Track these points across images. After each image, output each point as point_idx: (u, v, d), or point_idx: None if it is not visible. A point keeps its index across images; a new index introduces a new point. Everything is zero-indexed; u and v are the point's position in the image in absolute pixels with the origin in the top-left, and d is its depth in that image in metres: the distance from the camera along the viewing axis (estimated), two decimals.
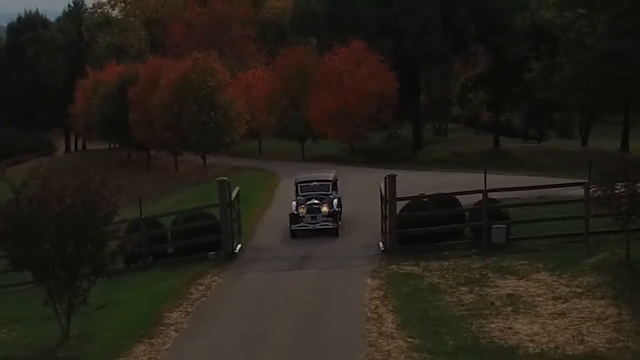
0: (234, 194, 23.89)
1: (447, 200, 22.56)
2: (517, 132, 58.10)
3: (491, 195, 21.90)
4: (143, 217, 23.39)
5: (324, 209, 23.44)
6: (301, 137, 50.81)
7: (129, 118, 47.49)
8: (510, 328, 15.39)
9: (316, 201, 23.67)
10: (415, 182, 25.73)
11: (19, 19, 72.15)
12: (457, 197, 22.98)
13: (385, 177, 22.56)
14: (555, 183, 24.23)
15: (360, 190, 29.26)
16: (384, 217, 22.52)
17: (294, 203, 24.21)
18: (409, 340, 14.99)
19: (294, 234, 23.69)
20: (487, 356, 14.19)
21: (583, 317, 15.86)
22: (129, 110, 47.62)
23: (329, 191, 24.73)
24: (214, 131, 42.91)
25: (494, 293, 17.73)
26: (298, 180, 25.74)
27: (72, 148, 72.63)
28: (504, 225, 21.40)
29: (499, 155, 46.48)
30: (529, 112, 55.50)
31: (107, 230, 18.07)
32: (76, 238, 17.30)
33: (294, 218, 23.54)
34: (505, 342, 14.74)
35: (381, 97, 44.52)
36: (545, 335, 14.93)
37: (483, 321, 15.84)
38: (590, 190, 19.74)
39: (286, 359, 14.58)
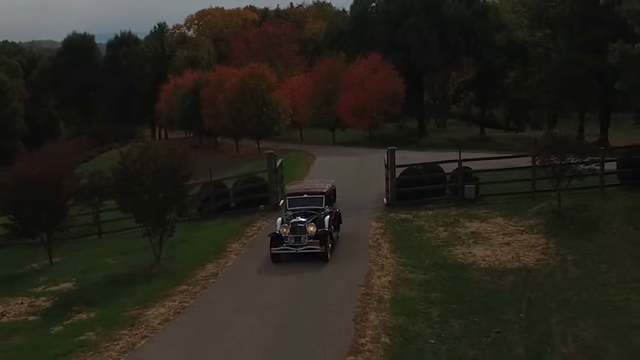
0: (278, 164, 24.04)
1: (433, 168, 23.18)
2: (499, 124, 57.77)
3: (465, 164, 22.26)
4: (212, 180, 23.90)
5: (310, 228, 15.96)
6: (332, 127, 50.77)
7: (201, 112, 47.96)
8: (470, 252, 16.57)
9: (302, 219, 16.26)
10: (416, 158, 26.02)
11: (116, 37, 72.21)
12: (440, 165, 23.17)
13: (387, 150, 22.99)
14: (509, 155, 24.53)
15: (373, 164, 28.39)
16: (387, 179, 22.93)
17: (279, 220, 16.91)
18: (397, 259, 16.27)
19: (274, 258, 16.17)
20: (451, 269, 15.43)
21: (522, 246, 17.06)
22: (201, 106, 48.01)
23: (321, 205, 17.13)
24: (265, 122, 43.30)
25: (461, 231, 18.58)
26: (287, 193, 18.69)
27: (157, 137, 73.08)
28: (474, 186, 22.24)
29: (483, 140, 46.43)
30: (509, 109, 55.20)
31: (187, 185, 19.19)
32: (166, 189, 18.51)
33: (275, 239, 16.15)
34: (465, 261, 16.03)
35: (392, 97, 44.41)
36: (494, 257, 16.16)
37: (451, 248, 16.97)
38: (535, 160, 20.42)
39: (302, 284, 15.25)
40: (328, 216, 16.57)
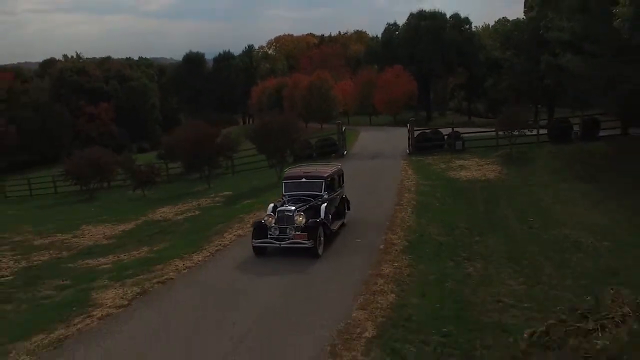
0: (342, 129, 26.43)
1: (437, 132, 25.41)
2: (481, 114, 57.19)
3: (456, 132, 24.33)
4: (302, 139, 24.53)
5: (299, 219, 9.94)
6: (369, 114, 51.99)
7: (283, 105, 47.52)
8: (457, 174, 19.17)
9: (290, 207, 10.20)
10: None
11: (219, 55, 73.74)
12: (441, 131, 25.30)
13: (409, 121, 25.81)
14: (484, 129, 26.34)
15: (398, 135, 29.82)
16: (408, 139, 25.07)
17: (270, 205, 10.84)
18: (416, 176, 18.80)
19: (257, 251, 10.14)
20: (446, 181, 17.92)
21: (487, 170, 19.53)
22: (283, 101, 48.36)
23: (320, 192, 10.99)
24: (325, 111, 44.54)
25: (453, 165, 20.89)
26: (284, 176, 12.08)
27: (247, 123, 72.14)
28: (461, 141, 24.27)
29: (469, 123, 48.15)
30: (488, 104, 55.00)
31: (295, 138, 21.59)
32: (284, 141, 21.03)
33: (258, 229, 10.15)
34: (454, 177, 18.60)
35: (409, 94, 45.47)
36: (470, 175, 18.90)
37: (447, 172, 19.54)
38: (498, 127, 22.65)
39: (368, 183, 17.79)
40: (325, 204, 10.75)
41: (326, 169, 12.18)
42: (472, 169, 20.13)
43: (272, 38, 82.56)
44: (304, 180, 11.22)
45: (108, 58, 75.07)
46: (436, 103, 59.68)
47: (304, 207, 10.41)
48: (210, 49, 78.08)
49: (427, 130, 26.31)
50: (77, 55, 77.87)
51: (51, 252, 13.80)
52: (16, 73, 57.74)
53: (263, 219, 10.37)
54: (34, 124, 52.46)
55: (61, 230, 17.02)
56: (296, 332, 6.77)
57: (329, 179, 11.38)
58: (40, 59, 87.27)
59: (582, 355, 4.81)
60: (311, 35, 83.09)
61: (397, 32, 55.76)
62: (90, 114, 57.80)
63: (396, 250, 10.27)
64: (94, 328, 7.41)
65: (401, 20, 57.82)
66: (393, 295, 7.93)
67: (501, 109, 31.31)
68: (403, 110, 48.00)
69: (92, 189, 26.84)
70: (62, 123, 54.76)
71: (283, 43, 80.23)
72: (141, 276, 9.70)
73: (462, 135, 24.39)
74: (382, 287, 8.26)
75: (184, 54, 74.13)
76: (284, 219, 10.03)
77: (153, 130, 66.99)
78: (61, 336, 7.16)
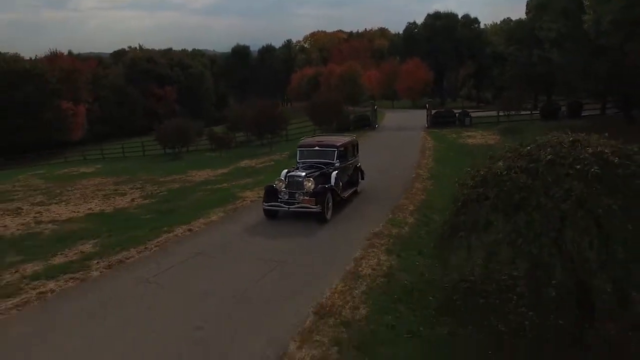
0: (375, 107, 28.88)
1: (450, 111, 27.84)
2: (490, 101, 55.16)
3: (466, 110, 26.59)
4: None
5: (308, 184, 9.35)
6: (392, 98, 54.08)
7: (319, 90, 47.86)
8: (465, 141, 21.21)
9: (300, 172, 9.64)
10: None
11: (263, 47, 75.60)
12: (453, 110, 27.52)
13: (427, 102, 28.50)
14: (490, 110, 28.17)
15: (417, 116, 31.80)
16: (427, 115, 27.34)
17: (284, 171, 10.04)
18: (433, 142, 21.09)
19: (268, 213, 9.58)
20: (457, 146, 19.90)
21: (488, 139, 21.38)
22: (319, 86, 50.53)
23: (332, 160, 10.32)
24: (356, 94, 46.63)
25: (462, 135, 23.08)
26: (299, 144, 11.15)
27: (286, 106, 72.81)
28: (469, 118, 26.46)
29: (477, 108, 49.26)
30: (494, 92, 54.44)
31: (339, 113, 24.34)
32: (331, 114, 24.46)
33: (269, 193, 9.62)
34: (463, 143, 20.73)
35: (425, 83, 47.94)
36: (475, 142, 20.97)
37: (458, 140, 21.63)
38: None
39: (398, 144, 20.46)
40: (336, 172, 10.11)
41: (340, 138, 11.39)
42: (477, 137, 22.67)
43: (308, 34, 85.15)
44: (317, 148, 10.55)
45: (170, 49, 78.82)
46: (449, 91, 60.53)
47: (315, 174, 9.68)
48: (248, 43, 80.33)
49: (441, 110, 28.81)
50: (140, 46, 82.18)
51: (177, 184, 17.70)
52: (99, 61, 62.21)
53: (274, 183, 9.64)
54: (112, 103, 57.31)
55: (172, 174, 20.92)
56: (374, 203, 10.64)
57: (341, 148, 10.61)
58: (101, 49, 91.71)
59: None
60: (341, 31, 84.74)
61: (416, 30, 57.55)
62: (158, 96, 62.19)
63: (422, 178, 13.86)
64: (247, 206, 11.25)
65: (418, 19, 61.47)
66: (423, 196, 11.60)
67: (502, 94, 33.00)
68: (421, 97, 49.99)
69: (176, 152, 30.97)
70: (135, 102, 59.43)
71: (317, 38, 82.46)
72: (256, 188, 13.14)
73: (470, 113, 26.78)
74: (415, 192, 11.94)
75: (226, 46, 78.81)
76: (293, 184, 9.42)
77: (208, 110, 70.77)
78: (230, 209, 11.03)
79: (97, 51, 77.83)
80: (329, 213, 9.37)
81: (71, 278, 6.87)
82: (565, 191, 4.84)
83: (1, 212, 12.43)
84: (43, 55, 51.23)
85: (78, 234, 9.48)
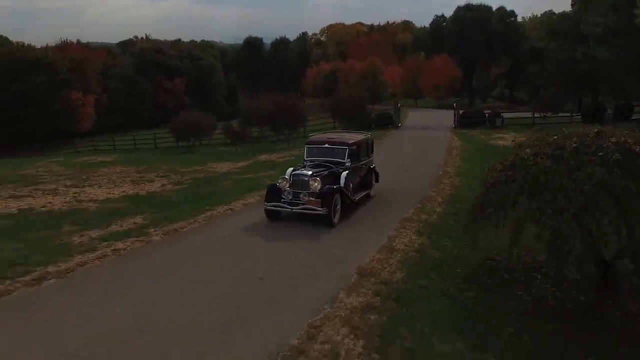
0: (399, 105, 30.16)
1: (479, 111, 29.25)
2: (524, 101, 55.20)
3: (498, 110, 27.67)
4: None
5: (314, 184, 9.19)
6: (415, 97, 55.52)
7: (337, 87, 51.40)
8: (496, 142, 22.21)
9: (306, 171, 9.47)
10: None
11: (275, 40, 77.32)
12: (484, 111, 28.72)
13: (455, 101, 30.43)
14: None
15: (442, 115, 33.94)
16: (454, 115, 28.59)
17: (289, 169, 9.94)
18: (461, 142, 22.17)
19: (269, 215, 9.50)
20: (486, 146, 20.96)
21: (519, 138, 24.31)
22: (337, 82, 52.92)
23: (343, 159, 10.15)
24: (377, 92, 48.08)
25: (492, 136, 24.04)
26: (307, 141, 11.21)
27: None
28: (501, 119, 27.53)
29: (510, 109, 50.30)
30: (532, 91, 53.96)
31: (361, 110, 26.42)
32: (353, 111, 26.09)
33: (271, 192, 9.51)
34: (493, 144, 21.64)
35: (452, 80, 48.91)
36: (505, 142, 20.55)
37: (487, 141, 22.79)
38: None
39: (423, 144, 21.25)
40: (347, 172, 9.92)
41: (352, 136, 11.33)
42: (508, 139, 21.83)
43: (325, 26, 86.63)
44: (327, 146, 10.36)
45: (179, 40, 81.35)
46: (479, 90, 61.63)
47: (323, 173, 9.49)
48: (256, 34, 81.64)
49: (470, 110, 30.37)
50: (146, 36, 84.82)
51: (200, 174, 19.22)
52: (108, 51, 64.85)
53: (278, 181, 9.50)
54: (121, 94, 59.71)
55: (192, 166, 22.45)
56: (401, 195, 12.03)
57: (353, 147, 10.45)
58: (103, 39, 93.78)
59: None
60: (360, 24, 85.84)
61: (444, 23, 58.74)
62: (167, 88, 64.45)
63: (450, 175, 15.20)
64: None
65: (446, 12, 63.17)
66: (451, 190, 12.95)
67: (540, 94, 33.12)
68: (447, 96, 51.39)
69: (190, 145, 32.66)
70: (144, 94, 61.81)
71: (334, 31, 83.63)
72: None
73: (501, 113, 27.83)
74: (443, 187, 13.29)
75: (232, 37, 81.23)
76: (298, 183, 9.25)
77: (218, 104, 72.74)
78: (258, 196, 12.49)
79: (99, 41, 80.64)
80: (337, 217, 9.14)
81: (137, 240, 8.41)
82: (587, 175, 5.81)
83: (41, 192, 14.10)
84: (44, 45, 53.24)
85: (122, 211, 11.04)
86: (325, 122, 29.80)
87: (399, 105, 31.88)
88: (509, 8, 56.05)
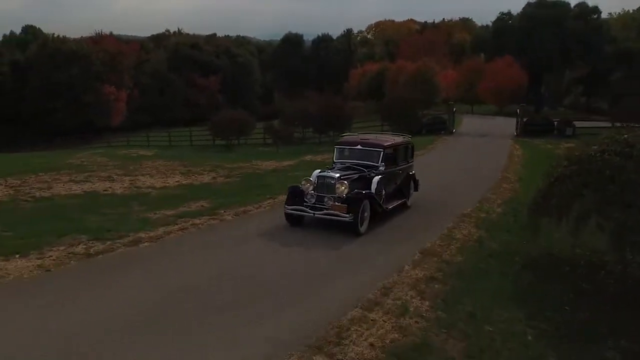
0: (454, 110, 31.04)
1: (546, 118, 30.06)
2: (604, 112, 51.63)
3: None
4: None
5: (341, 187, 9.17)
6: (472, 102, 55.62)
7: (383, 88, 52.10)
8: (556, 150, 22.10)
9: (333, 174, 9.48)
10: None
11: (317, 37, 78.84)
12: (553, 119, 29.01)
13: (519, 107, 30.56)
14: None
15: (503, 123, 34.91)
16: (517, 122, 29.58)
17: (316, 171, 10.00)
18: (522, 150, 23.93)
19: (290, 219, 9.63)
20: (545, 153, 21.67)
21: None
22: (383, 85, 52.91)
23: (377, 163, 10.16)
24: (429, 95, 47.37)
25: (560, 146, 23.45)
26: (338, 141, 11.24)
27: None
28: (572, 128, 28.15)
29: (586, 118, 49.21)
30: (613, 100, 51.02)
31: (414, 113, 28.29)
32: (406, 114, 28.46)
33: (293, 194, 9.61)
34: (553, 152, 21.57)
35: (517, 86, 48.04)
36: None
37: (554, 150, 22.97)
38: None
39: (483, 151, 23.00)
40: (380, 177, 9.93)
41: (390, 138, 11.28)
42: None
43: (372, 23, 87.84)
44: (359, 147, 10.37)
45: (214, 34, 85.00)
46: (548, 97, 60.08)
47: (352, 177, 9.54)
48: (294, 30, 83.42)
49: (535, 116, 31.12)
50: (179, 30, 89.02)
51: (247, 170, 20.95)
52: (141, 45, 69.00)
53: (301, 183, 9.58)
54: (153, 91, 63.34)
55: (235, 162, 24.31)
56: (460, 195, 13.19)
57: (389, 150, 10.39)
58: (133, 32, 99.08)
59: None
60: (412, 21, 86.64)
61: (510, 21, 58.48)
62: (201, 86, 67.59)
63: (510, 180, 16.40)
64: None
65: (513, 8, 60.88)
66: (510, 194, 14.18)
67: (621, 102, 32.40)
68: (509, 103, 50.36)
69: (228, 144, 34.85)
70: (176, 91, 65.25)
71: (383, 28, 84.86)
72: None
73: (573, 122, 28.40)
74: (502, 191, 14.55)
75: (266, 33, 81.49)
76: (324, 186, 9.28)
77: (252, 104, 75.40)
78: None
79: (129, 34, 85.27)
80: (364, 225, 9.15)
81: (211, 218, 10.15)
82: None
83: (96, 178, 16.22)
84: (78, 37, 57.25)
85: (184, 197, 12.85)
86: (372, 125, 31.24)
87: (455, 109, 32.67)
88: (591, 3, 54.27)
